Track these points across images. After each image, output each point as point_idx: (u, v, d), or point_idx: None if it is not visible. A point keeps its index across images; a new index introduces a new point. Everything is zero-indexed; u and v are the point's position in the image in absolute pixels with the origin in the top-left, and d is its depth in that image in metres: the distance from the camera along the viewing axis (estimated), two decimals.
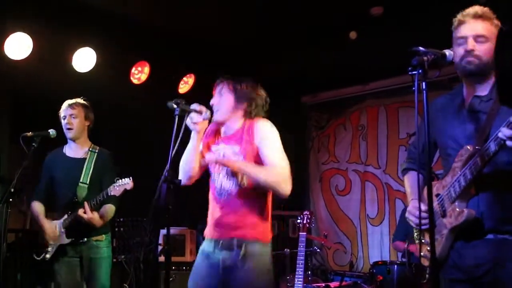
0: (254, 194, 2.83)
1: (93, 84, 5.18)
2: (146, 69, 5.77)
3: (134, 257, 5.48)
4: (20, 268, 4.84)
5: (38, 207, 3.97)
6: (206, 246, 2.88)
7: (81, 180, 3.88)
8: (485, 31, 2.31)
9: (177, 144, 2.50)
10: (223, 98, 2.92)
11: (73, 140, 4.00)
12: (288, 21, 5.33)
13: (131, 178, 3.68)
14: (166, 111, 2.68)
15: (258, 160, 2.80)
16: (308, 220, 4.78)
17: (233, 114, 2.92)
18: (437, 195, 2.42)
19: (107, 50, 5.37)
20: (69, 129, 3.95)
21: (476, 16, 2.33)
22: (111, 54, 5.42)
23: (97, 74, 5.33)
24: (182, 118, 2.66)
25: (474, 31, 2.31)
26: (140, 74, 5.77)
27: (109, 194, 3.68)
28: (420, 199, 2.31)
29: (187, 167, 2.88)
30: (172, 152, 2.49)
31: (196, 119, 2.77)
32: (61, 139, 4.00)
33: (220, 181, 2.90)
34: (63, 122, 3.96)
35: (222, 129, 2.98)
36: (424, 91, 2.04)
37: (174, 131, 2.51)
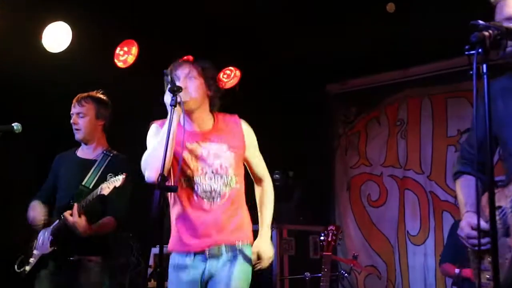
0: (241, 192, 3.16)
1: (67, 67, 5.20)
2: (134, 50, 5.78)
3: (117, 283, 5.48)
4: None
5: (35, 203, 4.06)
6: (179, 260, 3.05)
7: (83, 183, 3.95)
8: None
9: (169, 143, 2.48)
10: (193, 82, 3.08)
11: (84, 142, 4.12)
12: None
13: (124, 174, 3.69)
14: (158, 101, 2.67)
15: (244, 157, 3.21)
16: (333, 238, 4.78)
17: (203, 104, 3.12)
18: (498, 207, 2.38)
19: (86, 25, 5.37)
20: (76, 129, 4.06)
21: None
22: (91, 30, 5.42)
23: (73, 55, 5.34)
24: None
25: None
26: (126, 55, 5.78)
27: (98, 193, 3.70)
28: (477, 212, 2.26)
29: (158, 163, 2.80)
30: (165, 152, 2.48)
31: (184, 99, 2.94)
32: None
33: (206, 183, 3.05)
34: (71, 121, 4.08)
35: (191, 124, 3.11)
36: (485, 76, 2.00)
37: (169, 126, 2.49)
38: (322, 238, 4.82)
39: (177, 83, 2.97)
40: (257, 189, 3.38)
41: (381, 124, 7.25)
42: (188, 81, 3.07)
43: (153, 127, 3.13)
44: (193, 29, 5.83)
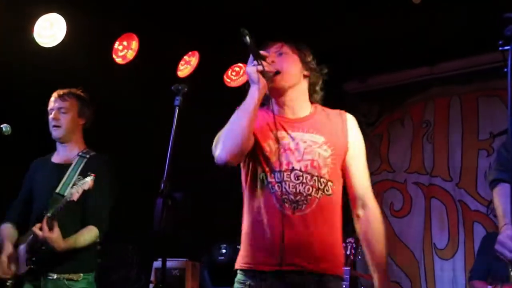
0: (338, 206, 2.79)
1: (61, 63, 5.21)
2: (134, 44, 5.80)
3: None
4: None
5: (5, 230, 3.98)
6: (250, 280, 2.68)
7: (57, 191, 3.85)
8: None
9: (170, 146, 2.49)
10: (286, 58, 2.87)
11: (61, 142, 4.05)
12: None
13: (93, 175, 3.66)
14: (160, 100, 2.68)
15: (343, 162, 2.83)
16: (352, 251, 4.78)
17: (298, 84, 2.88)
18: None
19: (81, 18, 5.39)
20: (55, 126, 3.99)
21: None
22: (87, 22, 5.44)
23: (67, 50, 5.35)
24: (182, 111, 2.66)
25: None
26: (126, 50, 5.80)
27: (68, 200, 3.63)
28: None
29: (231, 142, 2.65)
30: (169, 156, 2.49)
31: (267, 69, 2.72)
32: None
33: (290, 183, 2.70)
34: (50, 117, 4.01)
35: (281, 108, 2.87)
36: None
37: (173, 128, 2.51)
38: None
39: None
40: (357, 220, 2.88)
41: (405, 126, 7.24)
42: (278, 57, 2.86)
43: None
44: (199, 23, 5.84)
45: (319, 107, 2.93)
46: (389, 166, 7.29)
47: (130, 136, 6.00)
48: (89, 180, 3.66)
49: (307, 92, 2.92)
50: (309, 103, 2.92)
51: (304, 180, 2.70)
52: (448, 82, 6.91)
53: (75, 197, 3.62)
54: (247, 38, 2.67)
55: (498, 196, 2.66)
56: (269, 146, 2.75)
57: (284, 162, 2.72)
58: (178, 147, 2.54)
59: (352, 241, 4.84)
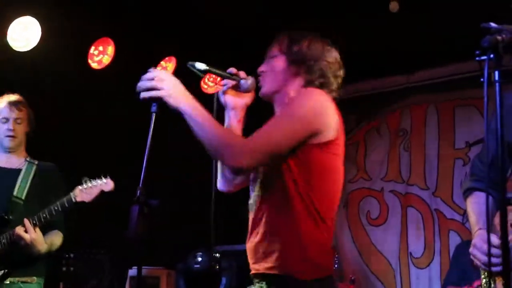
0: (284, 203, 2.56)
1: (36, 68, 5.17)
2: (110, 49, 5.76)
3: None
4: None
5: None
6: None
7: (14, 194, 3.88)
8: None
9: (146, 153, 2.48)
10: (271, 62, 2.76)
11: (10, 151, 4.02)
12: None
13: (108, 176, 3.66)
14: (137, 106, 2.66)
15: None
16: None
17: (284, 85, 2.74)
18: None
19: (57, 21, 5.36)
20: (12, 136, 3.96)
21: None
22: (62, 26, 5.41)
23: (42, 55, 5.31)
24: (157, 118, 2.64)
25: None
26: (101, 55, 5.76)
27: (72, 200, 3.66)
28: (490, 230, 2.28)
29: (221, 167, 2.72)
30: (145, 163, 2.47)
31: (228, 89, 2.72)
32: None
33: (253, 187, 2.73)
34: (4, 126, 3.96)
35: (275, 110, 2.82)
36: (497, 84, 2.01)
37: (150, 134, 2.49)
38: None
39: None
40: None
41: (381, 135, 7.26)
42: (265, 63, 2.79)
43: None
44: (176, 29, 5.82)
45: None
46: (366, 174, 7.31)
47: (106, 142, 5.96)
48: (108, 181, 3.70)
49: (302, 88, 2.73)
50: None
51: (257, 184, 2.69)
52: (425, 90, 6.94)
53: (87, 198, 3.68)
54: (201, 67, 2.62)
55: (471, 204, 2.68)
56: None
57: None
58: (153, 153, 2.53)
59: None
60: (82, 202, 3.67)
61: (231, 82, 2.72)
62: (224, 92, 2.72)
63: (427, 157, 6.91)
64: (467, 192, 2.73)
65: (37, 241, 3.69)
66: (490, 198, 2.26)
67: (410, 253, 6.85)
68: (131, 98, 2.77)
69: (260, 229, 2.60)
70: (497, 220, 2.19)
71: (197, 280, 5.99)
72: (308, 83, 2.73)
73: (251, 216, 2.69)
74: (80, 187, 3.68)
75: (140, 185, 2.40)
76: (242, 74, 2.74)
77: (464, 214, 6.22)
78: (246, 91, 2.75)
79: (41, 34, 5.28)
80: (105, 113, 5.87)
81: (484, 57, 2.02)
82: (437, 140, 6.86)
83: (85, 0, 5.23)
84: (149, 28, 5.82)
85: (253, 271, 2.64)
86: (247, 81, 2.74)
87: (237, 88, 2.73)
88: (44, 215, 3.70)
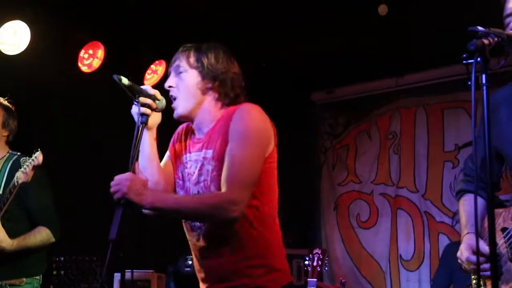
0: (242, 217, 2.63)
1: (25, 72, 5.15)
2: (100, 53, 5.75)
3: None
4: None
5: None
6: None
7: None
8: None
9: (134, 156, 2.48)
10: (182, 78, 2.71)
11: None
12: None
13: (38, 150, 3.58)
14: (126, 110, 2.66)
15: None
16: (319, 262, 4.77)
17: (200, 102, 2.69)
18: (504, 229, 2.41)
19: (46, 25, 5.33)
20: None
21: None
22: (52, 30, 5.39)
23: (31, 59, 5.28)
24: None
25: None
26: (91, 59, 5.74)
27: (16, 185, 3.56)
28: (478, 233, 2.28)
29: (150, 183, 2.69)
30: (131, 166, 2.47)
31: (145, 109, 2.65)
32: None
33: None
34: None
35: (196, 130, 2.78)
36: (484, 87, 2.01)
37: (135, 137, 2.49)
38: (306, 262, 4.82)
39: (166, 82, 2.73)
40: None
41: (371, 137, 7.28)
42: (174, 78, 2.73)
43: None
44: (166, 32, 5.82)
45: (227, 110, 2.68)
46: (356, 177, 7.32)
47: (95, 145, 5.94)
48: (37, 155, 3.57)
49: (218, 102, 2.71)
50: (220, 112, 2.70)
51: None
52: (414, 93, 6.97)
53: (25, 177, 3.55)
54: (125, 81, 2.58)
55: (463, 206, 2.68)
56: (181, 173, 2.78)
57: (187, 187, 2.73)
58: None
59: (319, 252, 4.85)
60: (24, 183, 3.55)
61: (149, 102, 2.67)
62: (142, 113, 2.65)
63: (416, 159, 6.93)
64: (459, 194, 2.74)
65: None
66: (481, 200, 2.26)
67: (400, 256, 6.87)
68: (121, 101, 2.76)
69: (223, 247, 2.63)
70: (486, 224, 2.19)
71: (188, 284, 5.98)
72: (223, 96, 2.70)
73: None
74: (21, 169, 3.57)
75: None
76: (157, 94, 2.71)
77: (454, 216, 6.23)
78: (159, 110, 2.73)
79: (31, 38, 5.25)
80: (95, 117, 5.85)
81: (471, 61, 2.02)
82: (427, 143, 6.88)
83: (74, 4, 5.20)
84: (139, 31, 5.81)
85: None
86: (162, 101, 2.72)
87: (152, 108, 2.70)
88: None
